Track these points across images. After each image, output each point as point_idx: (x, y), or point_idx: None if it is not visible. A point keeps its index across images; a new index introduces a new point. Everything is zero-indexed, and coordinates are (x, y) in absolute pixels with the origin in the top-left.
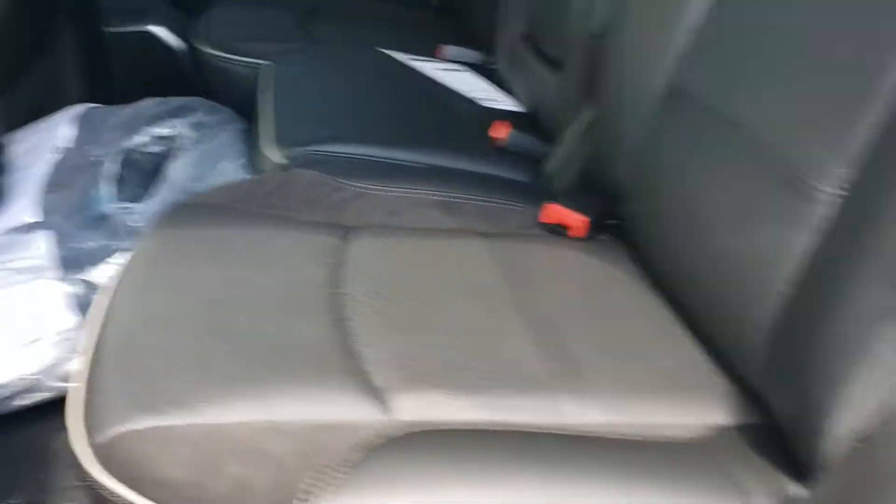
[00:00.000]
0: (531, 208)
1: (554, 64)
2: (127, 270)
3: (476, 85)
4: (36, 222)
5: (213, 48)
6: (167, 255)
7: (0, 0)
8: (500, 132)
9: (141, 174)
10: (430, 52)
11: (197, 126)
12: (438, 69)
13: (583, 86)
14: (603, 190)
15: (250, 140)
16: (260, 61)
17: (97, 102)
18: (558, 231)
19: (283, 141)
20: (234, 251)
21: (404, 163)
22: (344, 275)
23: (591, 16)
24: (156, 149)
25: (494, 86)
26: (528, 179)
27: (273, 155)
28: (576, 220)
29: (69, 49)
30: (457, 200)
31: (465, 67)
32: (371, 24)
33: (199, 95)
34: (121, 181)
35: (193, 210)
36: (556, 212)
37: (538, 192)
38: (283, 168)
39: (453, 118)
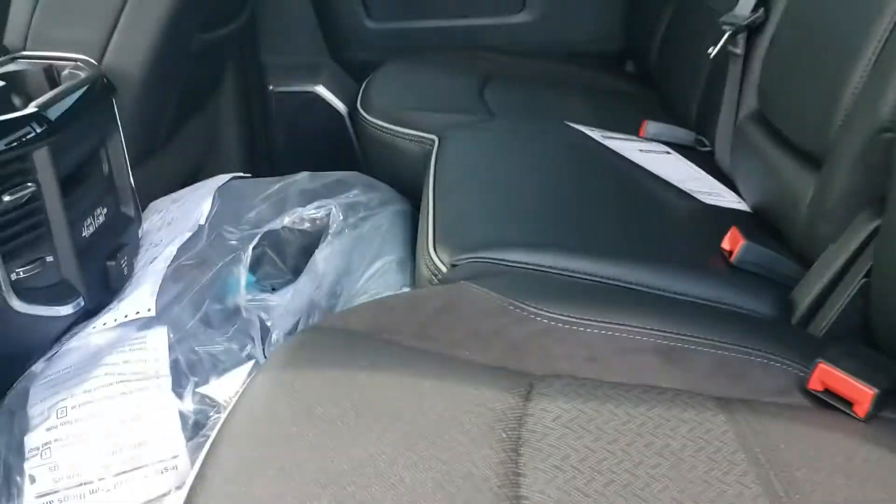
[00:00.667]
0: (787, 362)
1: (807, 158)
2: (234, 415)
3: (688, 172)
4: (151, 317)
5: (376, 117)
6: (283, 411)
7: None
8: (734, 242)
9: (283, 260)
10: (628, 128)
11: (352, 207)
12: (640, 149)
13: (859, 191)
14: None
15: (412, 226)
16: (428, 135)
17: (256, 167)
18: (833, 404)
19: (449, 242)
20: (374, 410)
21: (608, 282)
22: (525, 464)
23: (881, 103)
24: (303, 229)
25: (710, 175)
26: (772, 311)
27: (435, 260)
28: (862, 393)
29: (230, 108)
30: (682, 345)
31: (671, 149)
32: (557, 91)
33: (362, 167)
34: (258, 268)
35: (329, 338)
36: (832, 378)
37: (794, 336)
38: (447, 279)
39: (669, 220)
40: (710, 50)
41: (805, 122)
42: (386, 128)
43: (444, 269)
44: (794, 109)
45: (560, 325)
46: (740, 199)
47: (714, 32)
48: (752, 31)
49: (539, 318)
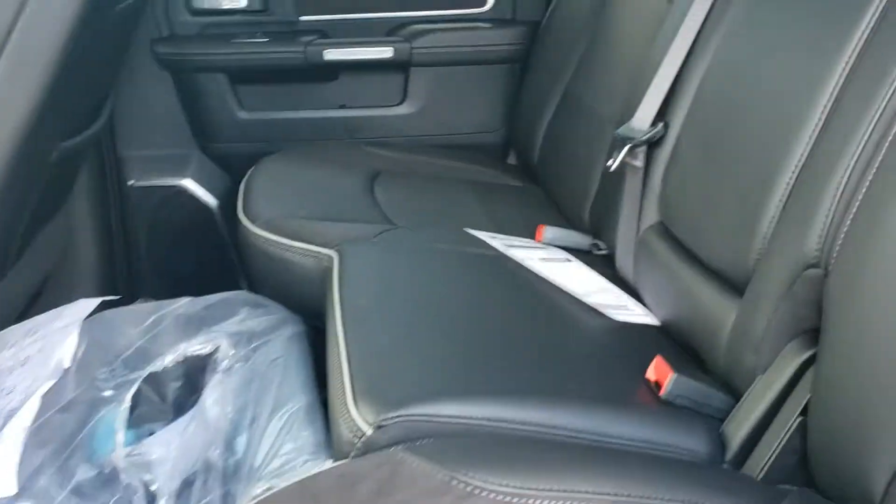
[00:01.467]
0: None
1: (724, 280)
2: None
3: (593, 282)
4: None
5: (262, 228)
6: None
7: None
8: (661, 373)
9: (163, 396)
10: (524, 230)
11: (241, 335)
12: (542, 258)
13: (787, 322)
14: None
15: (310, 352)
16: (324, 251)
17: (114, 274)
18: None
19: (370, 397)
20: None
21: (546, 433)
22: None
23: (806, 238)
24: (185, 368)
25: (614, 284)
26: (708, 449)
27: (357, 420)
28: None
29: (84, 209)
30: None
31: (571, 255)
32: (448, 188)
33: (237, 271)
34: (136, 419)
35: None
36: None
37: (742, 486)
38: (372, 443)
39: (588, 346)
40: (609, 163)
41: (719, 245)
42: (275, 241)
43: (368, 430)
44: (704, 230)
45: (509, 499)
46: (648, 311)
47: (597, 131)
48: (652, 143)
49: (486, 494)
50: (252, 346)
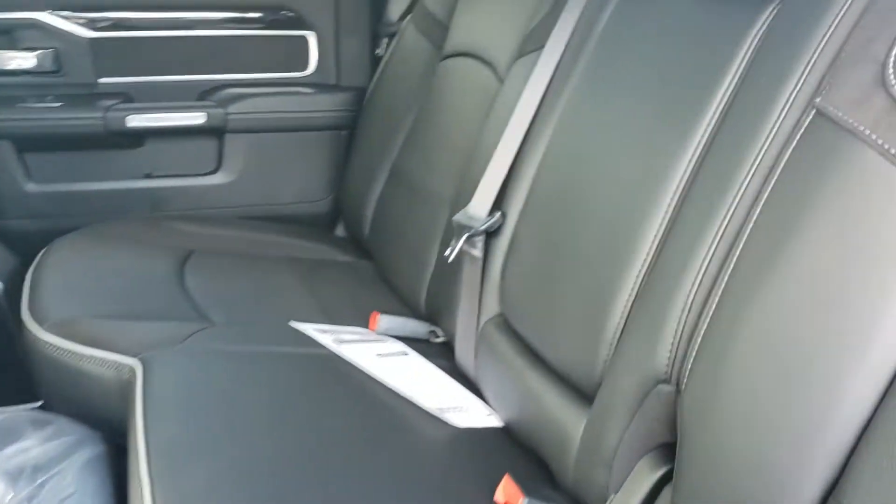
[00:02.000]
0: None
1: (571, 386)
2: None
3: (433, 380)
4: None
5: (51, 331)
6: None
7: None
8: (510, 495)
9: None
10: (356, 317)
11: (20, 471)
12: (378, 354)
13: (640, 437)
14: None
15: (111, 482)
16: (125, 361)
17: None
18: None
19: None
20: None
21: None
22: None
23: (655, 353)
24: None
25: (455, 380)
26: None
27: None
28: None
29: None
30: None
31: (408, 346)
32: (271, 270)
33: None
34: None
35: None
36: None
37: None
38: None
39: (432, 465)
40: (446, 253)
41: (564, 348)
42: (67, 349)
43: None
44: (547, 329)
45: None
46: (490, 410)
47: (431, 212)
48: (490, 232)
49: None
50: (38, 482)
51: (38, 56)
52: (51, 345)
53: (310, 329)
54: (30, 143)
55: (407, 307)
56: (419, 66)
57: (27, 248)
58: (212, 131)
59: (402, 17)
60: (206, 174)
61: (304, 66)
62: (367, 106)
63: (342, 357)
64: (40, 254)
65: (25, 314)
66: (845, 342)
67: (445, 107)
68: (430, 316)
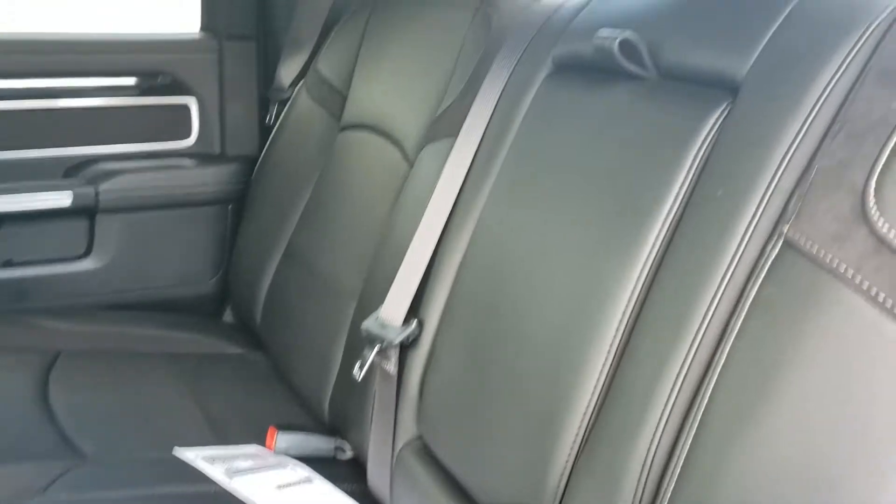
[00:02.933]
0: None
1: None
2: None
3: None
4: None
5: None
6: None
7: None
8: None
9: None
10: (250, 432)
11: None
12: (278, 485)
13: None
14: None
15: None
16: None
17: None
18: None
19: None
20: None
21: None
22: None
23: None
24: None
25: None
26: None
27: None
28: None
29: None
30: None
31: (311, 470)
32: (150, 375)
33: None
34: None
35: None
36: None
37: None
38: None
39: None
40: (354, 372)
41: (495, 484)
42: None
43: None
44: (475, 462)
45: None
46: None
47: (334, 305)
48: (405, 347)
49: None
50: None
51: None
52: None
53: (198, 458)
54: None
55: (308, 414)
56: (315, 135)
57: None
58: (80, 212)
59: (294, 83)
60: (74, 259)
61: (185, 136)
62: (258, 177)
63: (236, 494)
64: None
65: None
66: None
67: (348, 183)
68: (336, 426)
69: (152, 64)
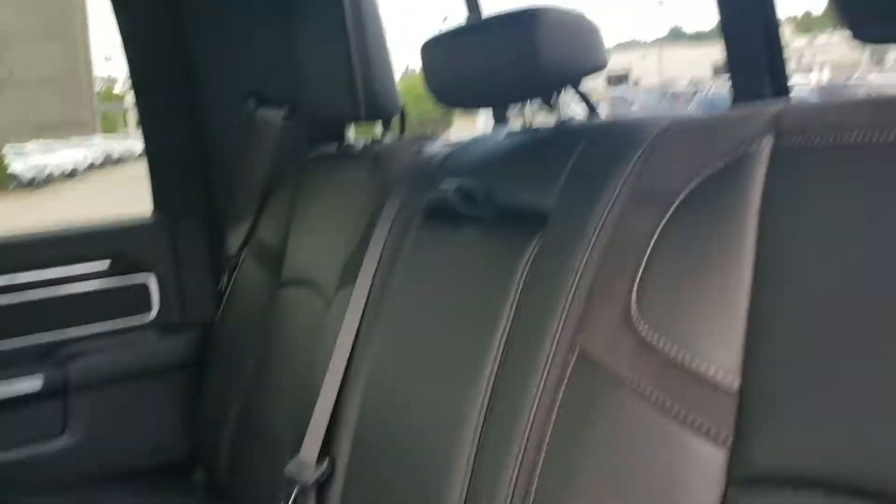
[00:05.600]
0: None
1: None
2: None
3: None
4: None
5: None
6: None
7: None
8: None
9: None
10: None
11: None
12: None
13: None
14: None
15: None
16: None
17: None
18: None
19: None
20: None
21: None
22: None
23: None
24: None
25: None
26: None
27: None
28: None
29: None
30: None
31: None
32: None
33: None
34: None
35: None
36: None
37: None
38: None
39: None
40: None
41: None
42: None
43: None
44: None
45: None
46: None
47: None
48: (322, 485)
49: None
50: None
51: None
52: None
53: None
54: None
55: None
56: (259, 296)
57: None
58: (52, 393)
59: (241, 249)
60: (50, 439)
61: (147, 309)
62: (214, 341)
63: None
64: None
65: None
66: None
67: (286, 340)
68: None
69: (112, 247)
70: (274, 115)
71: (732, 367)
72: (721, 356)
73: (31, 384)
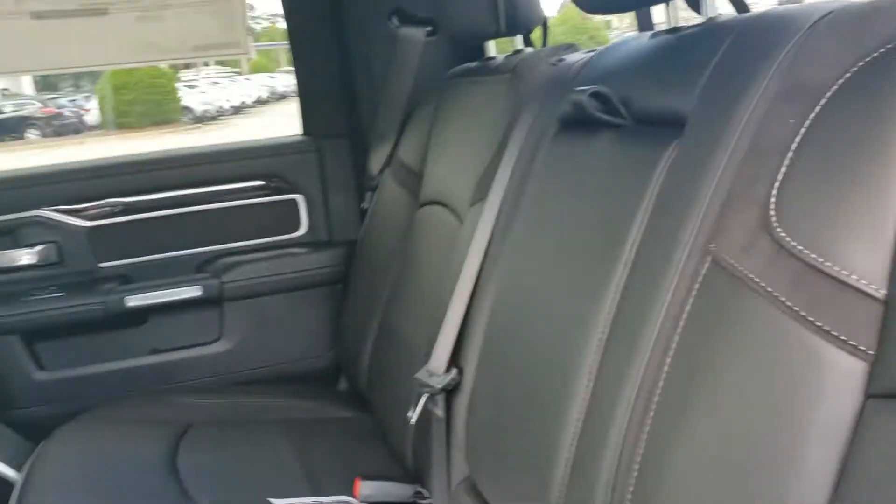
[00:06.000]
0: None
1: None
2: None
3: None
4: None
5: None
6: None
7: None
8: None
9: None
10: (342, 484)
11: None
12: None
13: None
14: None
15: None
16: None
17: None
18: None
19: None
20: None
21: None
22: None
23: None
24: None
25: None
26: None
27: None
28: None
29: None
30: None
31: None
32: (265, 440)
33: None
34: None
35: None
36: None
37: None
38: None
39: None
40: (409, 413)
41: None
42: None
43: None
44: (505, 489)
45: None
46: None
47: (413, 365)
48: (450, 391)
49: None
50: None
51: (39, 251)
52: None
53: None
54: (37, 334)
55: (397, 465)
56: (400, 215)
57: (42, 436)
58: (210, 301)
59: (382, 171)
60: (208, 343)
61: (295, 228)
62: (356, 259)
63: None
64: (39, 447)
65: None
66: (775, 459)
67: (422, 256)
68: (417, 475)
69: (265, 168)
70: (417, 34)
71: (878, 276)
72: (866, 263)
73: (191, 292)
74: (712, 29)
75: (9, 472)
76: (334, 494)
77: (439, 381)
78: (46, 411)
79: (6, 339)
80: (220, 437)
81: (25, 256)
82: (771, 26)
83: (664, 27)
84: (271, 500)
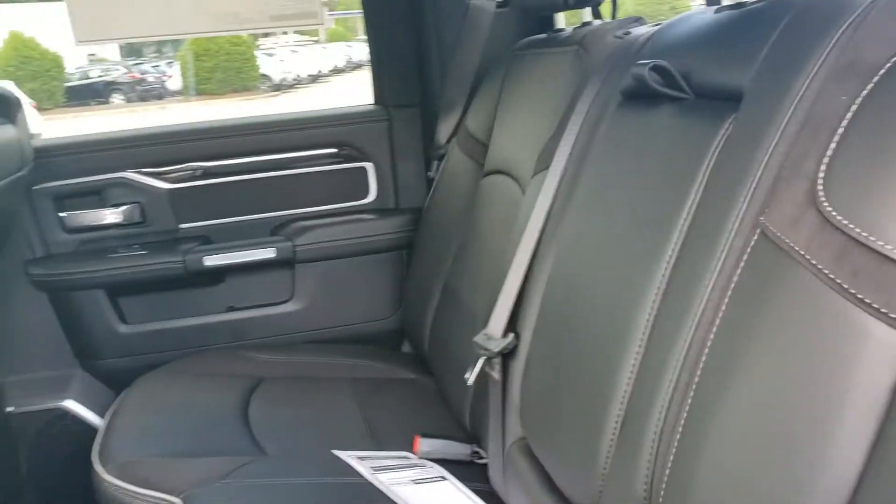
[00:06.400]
0: None
1: None
2: None
3: None
4: None
5: (112, 473)
6: None
7: None
8: None
9: None
10: (401, 440)
11: None
12: (414, 480)
13: None
14: None
15: None
16: (170, 498)
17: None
18: None
19: None
20: None
21: None
22: None
23: (634, 477)
24: None
25: None
26: None
27: None
28: None
29: None
30: None
31: (446, 472)
32: (330, 396)
33: None
34: None
35: None
36: None
37: None
38: None
39: None
40: (466, 375)
41: (568, 473)
42: (121, 487)
43: None
44: (556, 453)
45: None
46: None
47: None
48: (507, 355)
49: None
50: None
51: (124, 211)
52: (112, 485)
53: (351, 458)
54: (121, 289)
55: (455, 425)
56: (465, 184)
57: (124, 385)
58: (283, 263)
59: (449, 140)
60: (280, 303)
61: (364, 195)
62: (421, 226)
63: (377, 486)
64: (121, 394)
65: (95, 456)
66: (813, 424)
67: (485, 224)
68: (475, 435)
69: (337, 136)
70: (487, 5)
71: None
72: None
73: (265, 253)
74: (774, 5)
75: (93, 417)
76: (395, 450)
77: (496, 345)
78: (128, 363)
79: (92, 293)
80: (288, 392)
81: (111, 216)
82: (830, 3)
83: (731, 1)
84: (335, 451)
